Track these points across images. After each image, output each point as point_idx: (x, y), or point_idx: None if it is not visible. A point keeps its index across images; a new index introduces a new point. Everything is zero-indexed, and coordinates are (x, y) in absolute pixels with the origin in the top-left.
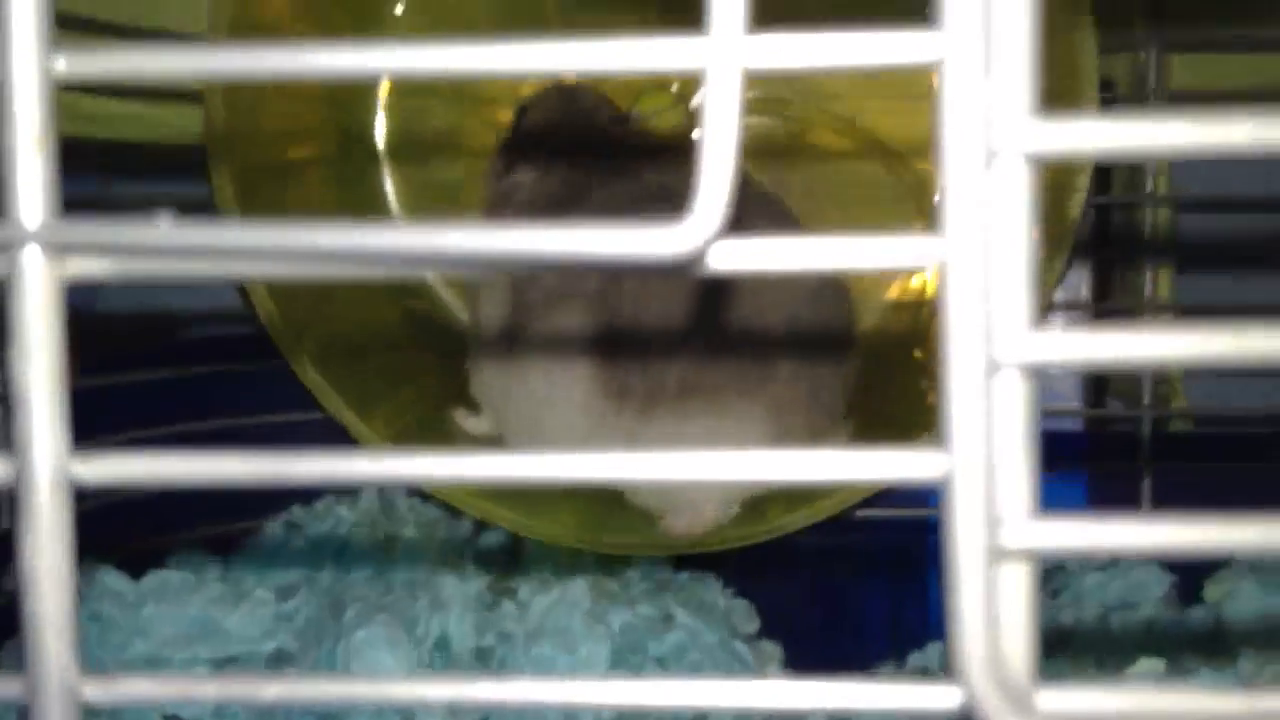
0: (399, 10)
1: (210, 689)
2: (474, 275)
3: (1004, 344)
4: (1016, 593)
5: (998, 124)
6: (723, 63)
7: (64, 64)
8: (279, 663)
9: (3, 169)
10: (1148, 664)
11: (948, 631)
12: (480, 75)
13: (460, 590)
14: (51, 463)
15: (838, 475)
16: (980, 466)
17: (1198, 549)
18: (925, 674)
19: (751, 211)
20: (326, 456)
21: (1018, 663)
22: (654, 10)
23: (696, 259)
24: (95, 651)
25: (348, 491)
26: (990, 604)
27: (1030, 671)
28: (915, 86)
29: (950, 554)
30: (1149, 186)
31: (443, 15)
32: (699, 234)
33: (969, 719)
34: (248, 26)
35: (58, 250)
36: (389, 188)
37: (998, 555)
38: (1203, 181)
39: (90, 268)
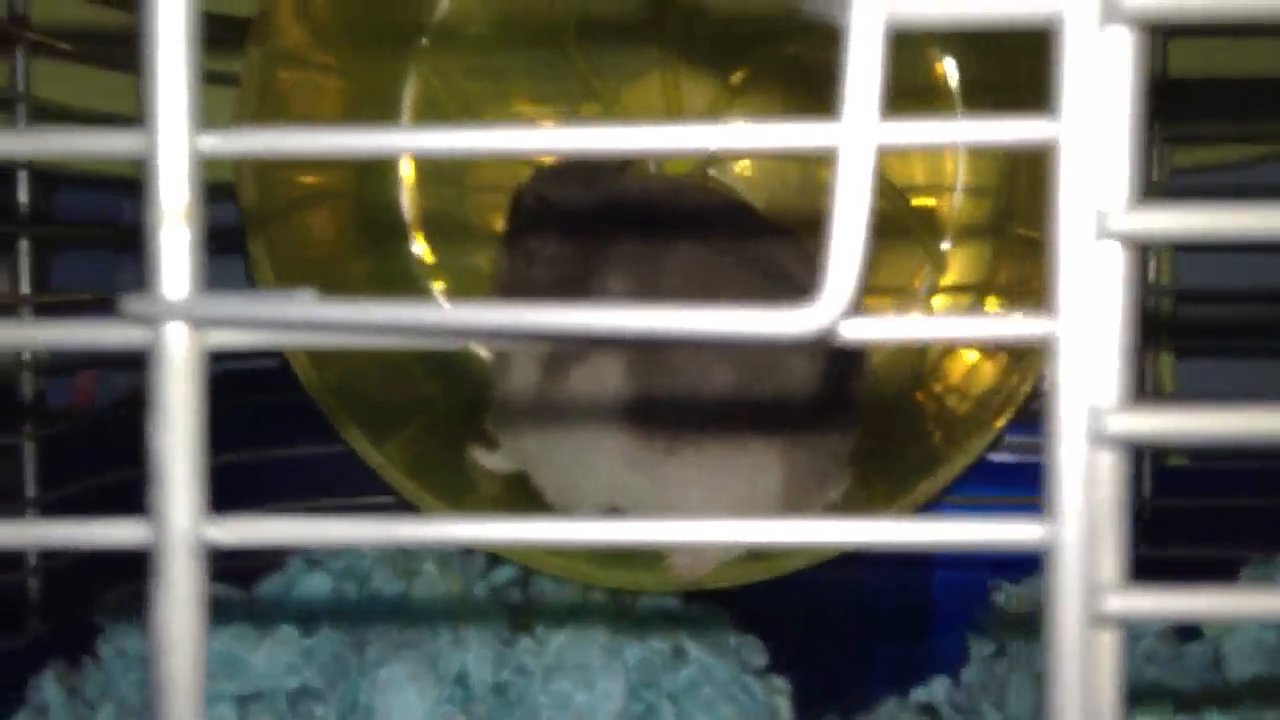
0: (425, 42)
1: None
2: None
3: (1107, 419)
4: (1109, 658)
5: (1105, 206)
6: (857, 145)
7: (210, 143)
8: (303, 698)
9: (149, 243)
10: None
11: (1045, 695)
12: (624, 155)
13: (479, 626)
14: (188, 527)
15: (940, 540)
16: (1082, 534)
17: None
18: (930, 711)
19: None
20: (442, 522)
21: None
22: (672, 40)
23: (827, 336)
24: (119, 686)
25: None
26: (1086, 669)
27: None
28: None
29: (1051, 620)
30: (1152, 276)
31: (465, 45)
32: (830, 312)
33: None
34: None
35: (201, 323)
36: (418, 261)
37: (1097, 623)
38: (1201, 272)
39: (231, 339)
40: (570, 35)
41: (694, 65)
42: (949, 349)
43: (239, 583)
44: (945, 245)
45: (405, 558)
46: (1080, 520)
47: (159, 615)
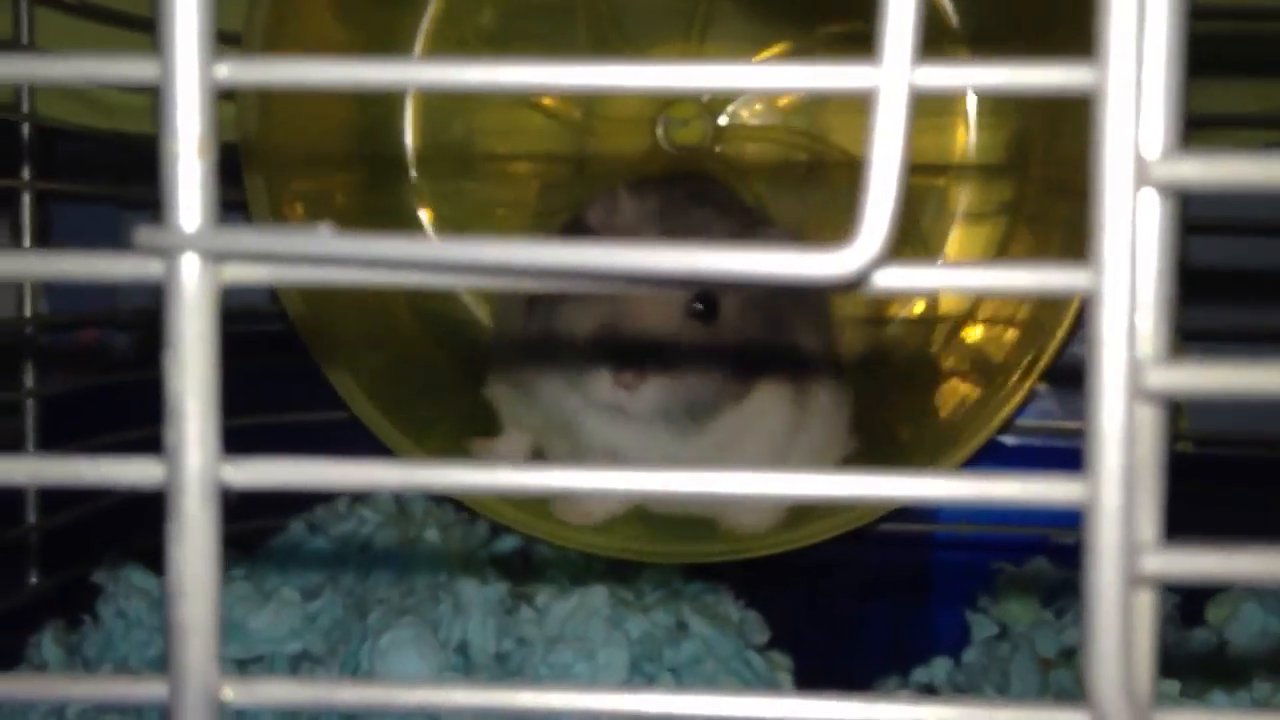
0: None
1: (349, 694)
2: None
3: (1147, 373)
4: (1146, 617)
5: (1146, 155)
6: (894, 86)
7: (225, 71)
8: (304, 663)
9: (164, 175)
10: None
11: (1083, 653)
12: (692, 91)
13: (481, 595)
14: (203, 467)
15: (982, 495)
16: (1122, 492)
17: None
18: (930, 690)
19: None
20: (465, 467)
21: (1143, 685)
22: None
23: (861, 280)
24: (120, 648)
25: (368, 490)
26: (1125, 628)
27: (1153, 695)
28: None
29: (1090, 579)
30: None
31: (469, 32)
32: (864, 255)
33: None
34: (284, 35)
35: (216, 257)
36: (415, 196)
37: (1135, 582)
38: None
39: (247, 274)
40: (595, 2)
41: (721, 35)
42: (956, 331)
43: (241, 547)
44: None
45: (407, 525)
46: (1119, 478)
47: (173, 557)
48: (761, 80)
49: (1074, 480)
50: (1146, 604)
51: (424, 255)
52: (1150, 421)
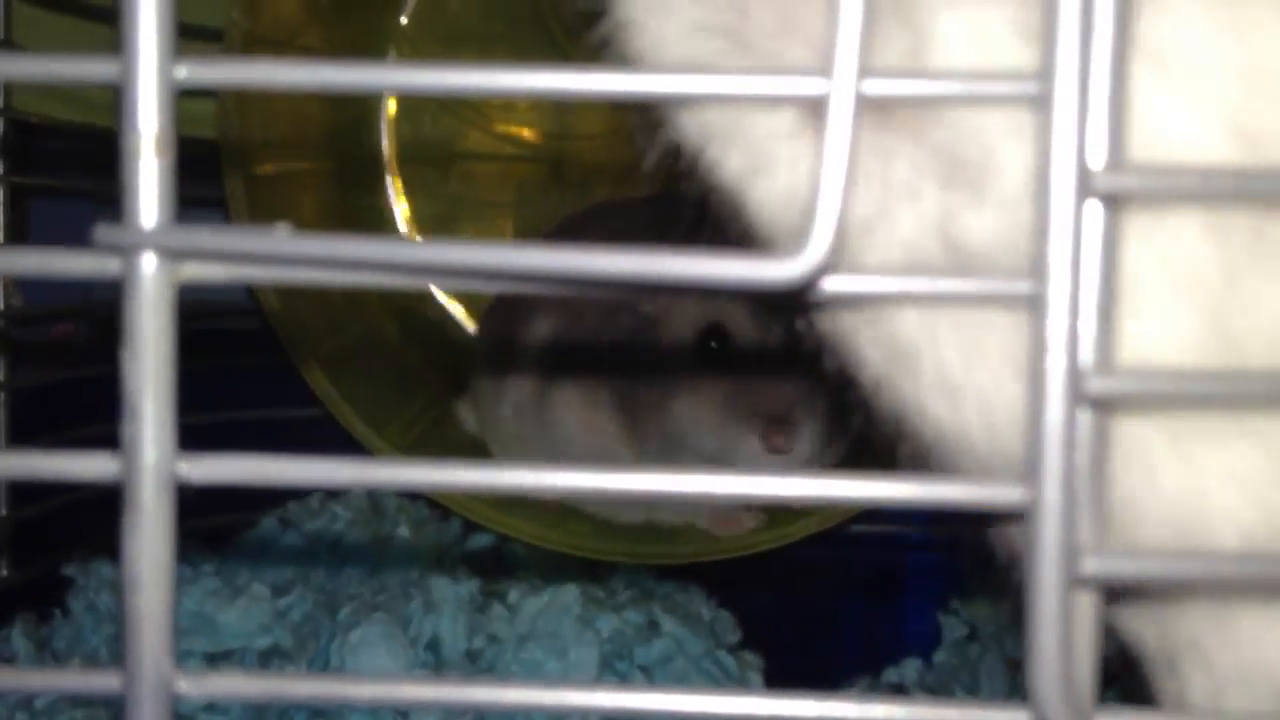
0: (404, 20)
1: (299, 687)
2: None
3: (1087, 379)
4: (1086, 618)
5: (1089, 167)
6: (842, 95)
7: (185, 72)
8: (273, 659)
9: (124, 173)
10: None
11: (1026, 653)
12: (612, 99)
13: (452, 592)
14: (158, 462)
15: (923, 498)
16: (1061, 495)
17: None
18: (900, 690)
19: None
20: (415, 466)
21: (1084, 685)
22: None
23: (807, 286)
24: (90, 641)
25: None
26: (1065, 629)
27: (1094, 694)
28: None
29: (1031, 580)
30: None
31: (446, 30)
32: (809, 262)
33: None
34: (258, 38)
35: (173, 255)
36: (392, 195)
37: (1075, 583)
38: None
39: (205, 272)
40: (549, 8)
41: None
42: None
43: (212, 543)
44: None
45: (379, 522)
46: (1060, 481)
47: (129, 550)
48: (712, 88)
49: (1016, 484)
50: (1087, 605)
51: (377, 256)
52: (1090, 426)
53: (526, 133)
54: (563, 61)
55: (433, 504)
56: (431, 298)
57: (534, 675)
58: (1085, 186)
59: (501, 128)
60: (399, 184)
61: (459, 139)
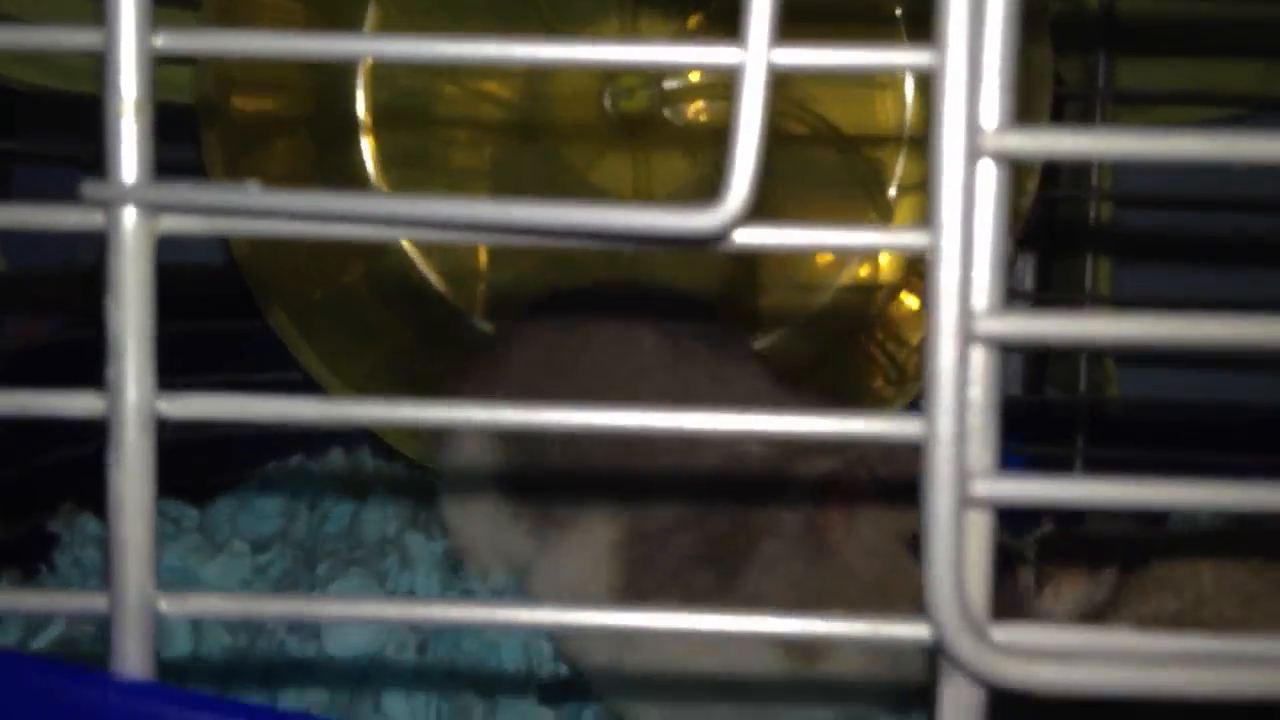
0: None
1: (274, 606)
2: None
3: (978, 321)
4: (980, 539)
5: (981, 128)
6: (755, 64)
7: (162, 41)
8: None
9: (105, 133)
10: None
11: (924, 572)
12: (550, 66)
13: (427, 550)
14: (140, 399)
15: (832, 431)
16: (954, 425)
17: (1131, 503)
18: None
19: None
20: (386, 404)
21: (979, 601)
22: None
23: (722, 236)
24: None
25: (319, 449)
26: (959, 549)
27: (988, 608)
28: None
29: (927, 504)
30: (1094, 182)
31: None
32: (725, 214)
33: (938, 649)
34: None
35: (153, 209)
36: (367, 153)
37: (967, 504)
38: (1143, 180)
39: (182, 225)
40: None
41: (652, 9)
42: (892, 298)
43: (193, 501)
44: (891, 193)
45: (357, 480)
46: (953, 412)
47: (114, 482)
48: (637, 56)
49: (913, 418)
50: (979, 524)
51: (344, 209)
52: (982, 363)
53: (505, 92)
54: (538, 15)
55: (410, 463)
56: (401, 251)
57: (508, 630)
58: (976, 147)
59: (477, 84)
60: (375, 147)
61: (435, 98)
